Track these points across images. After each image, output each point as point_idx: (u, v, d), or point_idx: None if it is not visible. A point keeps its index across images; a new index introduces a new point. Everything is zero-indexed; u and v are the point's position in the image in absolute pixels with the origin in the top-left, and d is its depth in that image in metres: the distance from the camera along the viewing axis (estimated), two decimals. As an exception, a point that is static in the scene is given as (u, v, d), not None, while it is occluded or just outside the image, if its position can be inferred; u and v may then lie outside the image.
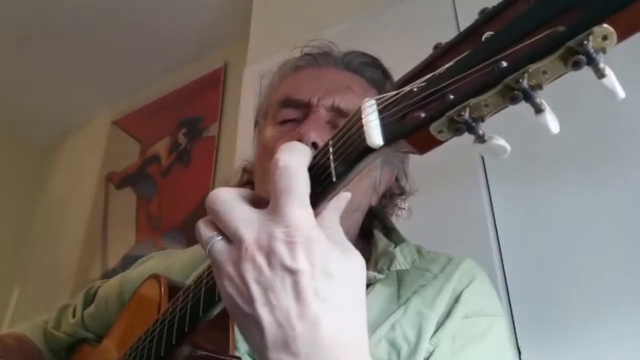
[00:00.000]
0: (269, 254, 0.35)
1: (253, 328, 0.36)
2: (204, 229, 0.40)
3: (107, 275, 2.14)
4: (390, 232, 0.77)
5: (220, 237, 0.39)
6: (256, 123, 0.83)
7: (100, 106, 2.81)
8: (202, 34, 2.35)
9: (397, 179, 0.80)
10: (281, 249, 0.35)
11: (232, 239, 0.38)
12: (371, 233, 0.76)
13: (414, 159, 0.66)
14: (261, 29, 1.83)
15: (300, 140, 0.62)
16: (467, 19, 0.33)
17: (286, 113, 0.71)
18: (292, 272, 0.35)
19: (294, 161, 0.38)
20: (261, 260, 0.35)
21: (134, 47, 2.43)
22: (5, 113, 2.79)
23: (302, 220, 0.36)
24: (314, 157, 0.41)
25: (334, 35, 0.90)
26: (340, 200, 0.42)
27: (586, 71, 0.27)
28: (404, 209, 0.81)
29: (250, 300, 0.36)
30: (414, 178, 0.82)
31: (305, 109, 0.69)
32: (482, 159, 1.08)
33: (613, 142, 0.96)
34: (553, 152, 1.00)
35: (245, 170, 0.85)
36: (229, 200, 0.39)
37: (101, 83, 2.66)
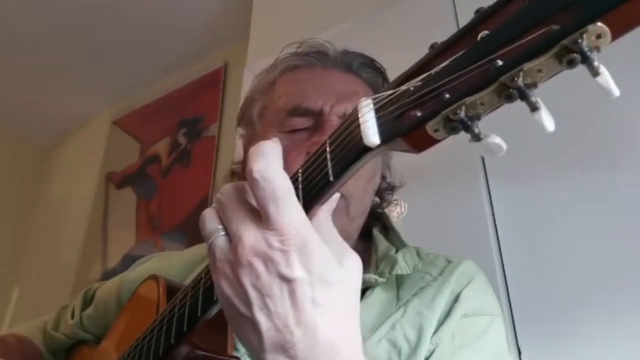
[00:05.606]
0: (266, 261, 0.36)
1: (249, 330, 0.37)
2: (209, 220, 0.40)
3: (107, 275, 2.14)
4: (389, 232, 0.77)
5: (222, 233, 0.39)
6: (240, 121, 0.81)
7: (100, 106, 2.81)
8: (202, 34, 2.35)
9: (382, 176, 0.79)
10: (278, 257, 0.36)
11: (232, 238, 0.38)
12: (370, 233, 0.76)
13: (414, 160, 0.65)
14: (261, 29, 1.83)
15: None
16: (467, 19, 0.33)
17: (296, 122, 0.69)
18: (288, 281, 0.36)
19: (269, 167, 0.37)
20: (258, 266, 0.36)
21: (133, 47, 2.43)
22: (5, 113, 2.79)
23: (295, 225, 0.36)
24: (311, 157, 0.41)
25: (334, 35, 0.89)
26: (331, 202, 0.42)
27: (585, 70, 0.27)
28: (397, 203, 0.81)
29: (247, 302, 0.37)
30: (413, 178, 0.82)
31: (317, 117, 0.68)
32: (482, 158, 1.08)
33: (613, 142, 0.96)
34: (553, 152, 1.00)
35: (234, 173, 0.84)
36: (236, 197, 0.39)
37: (101, 83, 2.66)
